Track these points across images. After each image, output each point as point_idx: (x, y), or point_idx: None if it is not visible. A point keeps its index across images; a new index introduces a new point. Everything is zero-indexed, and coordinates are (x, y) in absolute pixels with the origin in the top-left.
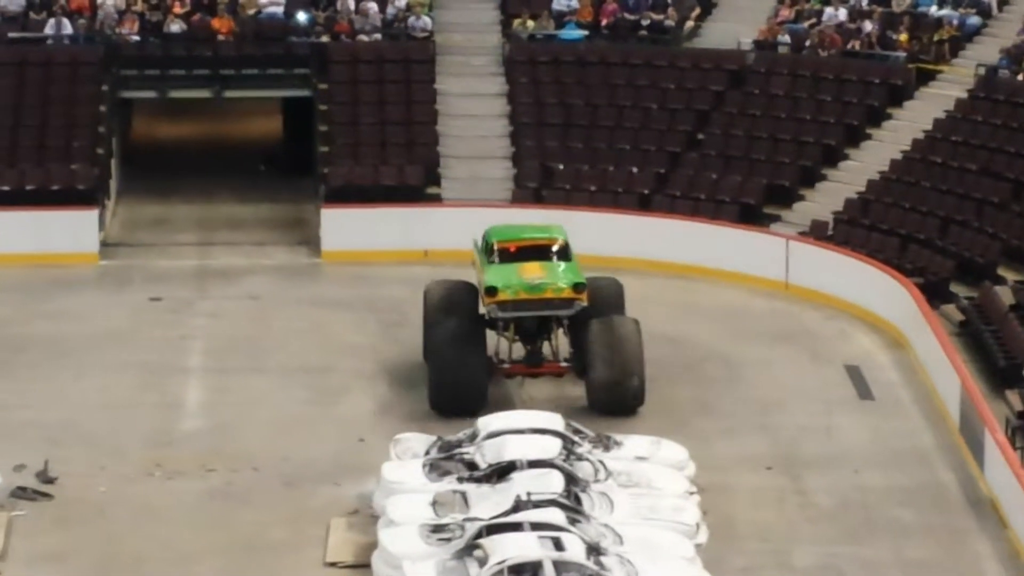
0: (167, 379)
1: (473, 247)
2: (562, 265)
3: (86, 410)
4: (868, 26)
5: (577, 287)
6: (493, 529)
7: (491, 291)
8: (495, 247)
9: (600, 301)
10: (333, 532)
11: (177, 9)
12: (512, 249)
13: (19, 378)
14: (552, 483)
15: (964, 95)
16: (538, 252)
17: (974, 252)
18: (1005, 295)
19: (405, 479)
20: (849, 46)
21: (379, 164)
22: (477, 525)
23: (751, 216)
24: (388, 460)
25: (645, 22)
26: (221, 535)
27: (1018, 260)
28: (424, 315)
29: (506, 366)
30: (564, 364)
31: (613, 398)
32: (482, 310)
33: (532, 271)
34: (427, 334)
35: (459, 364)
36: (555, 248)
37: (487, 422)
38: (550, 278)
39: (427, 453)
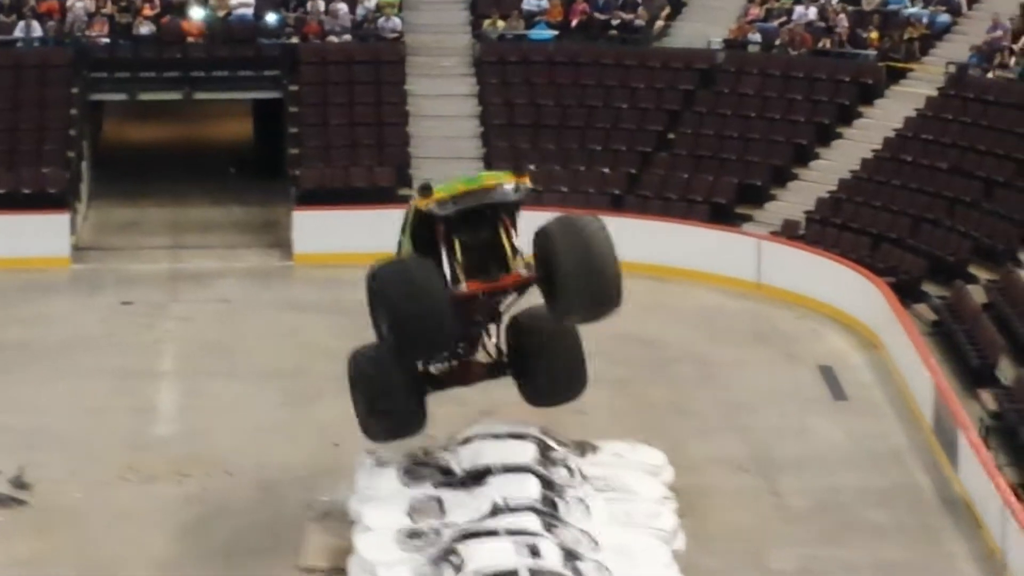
0: (140, 383)
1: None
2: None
3: (60, 415)
4: (844, 21)
5: (517, 169)
6: (469, 535)
7: (424, 190)
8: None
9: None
10: (308, 537)
11: (147, 11)
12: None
13: None
14: (528, 489)
15: (935, 93)
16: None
17: (946, 251)
18: (977, 294)
19: (380, 485)
20: (819, 45)
21: (350, 166)
22: (453, 531)
23: (722, 216)
24: (362, 465)
25: (615, 22)
26: (197, 540)
27: (990, 259)
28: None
29: (462, 287)
30: (524, 272)
31: (591, 291)
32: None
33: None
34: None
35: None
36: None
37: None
38: (492, 178)
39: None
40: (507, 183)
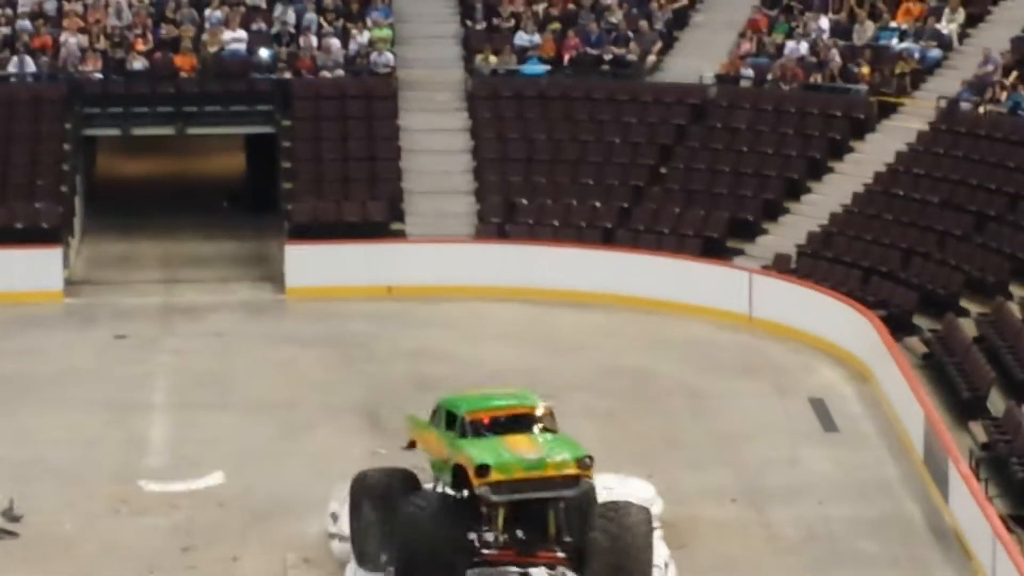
0: (132, 416)
1: (410, 423)
2: (554, 438)
3: (52, 447)
4: (835, 56)
5: (581, 461)
6: None
7: (482, 470)
8: (465, 419)
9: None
10: (296, 568)
11: (139, 46)
12: (486, 421)
13: None
14: None
15: (926, 127)
16: (519, 423)
17: (937, 284)
18: (968, 327)
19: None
20: (811, 79)
21: (342, 200)
22: None
23: (714, 250)
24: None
25: (607, 57)
26: (187, 573)
27: (981, 292)
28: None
29: (491, 552)
30: (560, 555)
31: None
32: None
33: (522, 445)
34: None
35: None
36: (537, 416)
37: None
38: (546, 452)
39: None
40: (570, 470)
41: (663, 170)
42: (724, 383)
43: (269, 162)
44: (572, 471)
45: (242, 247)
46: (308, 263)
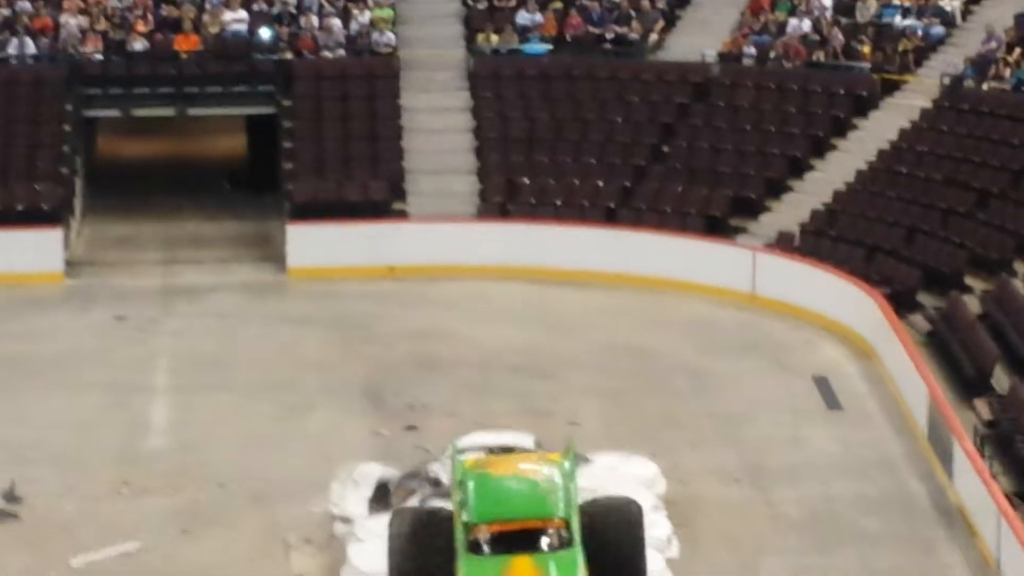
0: (134, 397)
1: (451, 462)
2: (561, 561)
3: (52, 429)
4: (838, 34)
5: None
6: None
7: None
8: (475, 531)
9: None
10: (298, 549)
11: (140, 28)
12: (496, 533)
13: None
14: None
15: (929, 105)
16: (530, 540)
17: (940, 262)
18: (972, 304)
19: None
20: (814, 57)
21: (344, 180)
22: None
23: (717, 228)
24: (349, 479)
25: (609, 35)
26: (189, 553)
27: (984, 269)
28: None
29: None
30: None
31: None
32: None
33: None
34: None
35: None
36: (550, 533)
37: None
38: None
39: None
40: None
41: (665, 149)
42: (727, 361)
43: (270, 143)
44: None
45: (243, 227)
46: (309, 243)
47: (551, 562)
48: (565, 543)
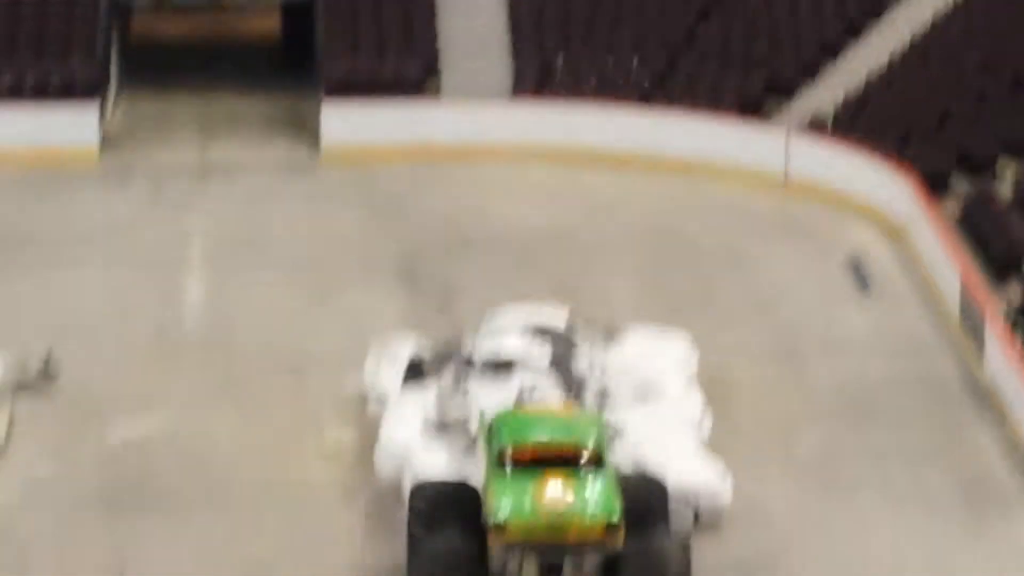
0: (169, 274)
1: (480, 427)
2: (595, 485)
3: (87, 306)
4: None
5: (610, 527)
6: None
7: (499, 528)
8: (508, 453)
9: (635, 511)
10: (332, 425)
11: None
12: (529, 457)
13: (20, 275)
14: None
15: None
16: (564, 461)
17: (974, 145)
18: (1005, 187)
19: (404, 374)
20: None
21: (379, 59)
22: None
23: (751, 110)
24: (385, 353)
25: None
26: (224, 423)
27: (1018, 153)
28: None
29: None
30: None
31: None
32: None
33: (554, 493)
34: (411, 554)
35: None
36: (585, 458)
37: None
38: (577, 507)
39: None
40: (595, 535)
41: (700, 30)
42: (760, 243)
43: (305, 23)
44: (598, 535)
45: (277, 106)
46: (344, 121)
47: (587, 476)
48: (598, 465)
